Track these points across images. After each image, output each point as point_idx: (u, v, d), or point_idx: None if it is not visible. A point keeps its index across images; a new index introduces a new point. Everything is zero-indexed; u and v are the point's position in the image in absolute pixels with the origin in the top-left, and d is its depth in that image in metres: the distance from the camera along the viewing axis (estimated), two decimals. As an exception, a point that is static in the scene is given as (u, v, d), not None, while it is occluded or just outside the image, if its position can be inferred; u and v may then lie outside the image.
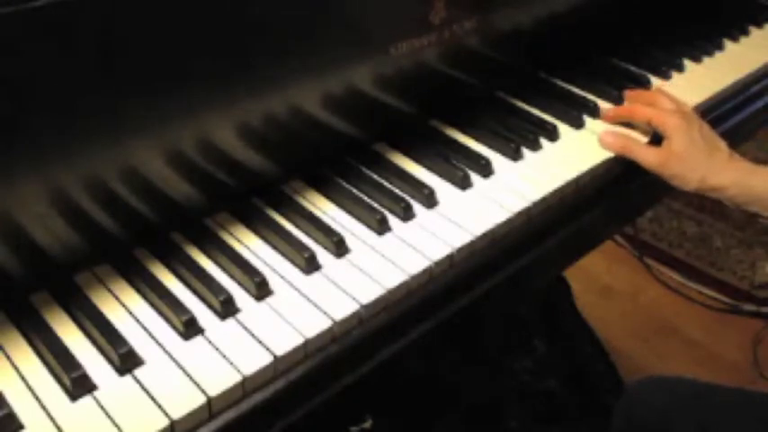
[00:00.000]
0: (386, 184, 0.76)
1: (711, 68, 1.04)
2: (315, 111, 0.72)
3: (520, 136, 0.83)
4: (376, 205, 0.72)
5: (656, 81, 0.99)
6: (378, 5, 0.72)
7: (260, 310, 0.61)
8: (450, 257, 0.67)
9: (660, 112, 0.85)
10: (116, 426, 0.51)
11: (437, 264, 0.66)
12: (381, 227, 0.69)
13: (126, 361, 0.55)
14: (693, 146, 0.82)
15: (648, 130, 0.87)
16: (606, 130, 0.85)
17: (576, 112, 0.88)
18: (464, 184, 0.76)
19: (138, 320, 0.59)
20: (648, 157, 0.82)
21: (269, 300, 0.62)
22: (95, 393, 0.54)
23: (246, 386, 0.55)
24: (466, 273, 0.68)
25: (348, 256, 0.66)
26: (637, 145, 0.83)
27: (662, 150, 0.82)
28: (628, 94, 0.93)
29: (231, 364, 0.56)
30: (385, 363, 0.63)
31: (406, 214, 0.71)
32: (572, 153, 0.83)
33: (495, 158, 0.80)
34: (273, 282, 0.63)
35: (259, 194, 0.72)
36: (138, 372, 0.55)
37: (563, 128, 0.87)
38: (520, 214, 0.73)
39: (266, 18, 0.64)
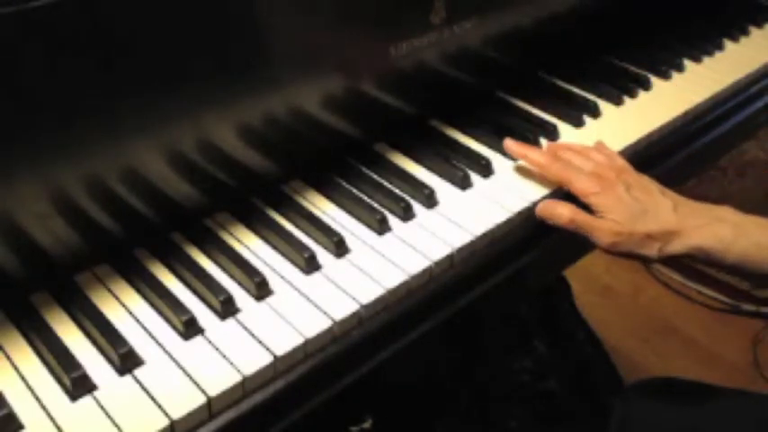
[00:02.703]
0: (386, 184, 0.76)
1: (711, 68, 1.04)
2: (315, 111, 0.72)
3: (520, 136, 0.83)
4: (376, 205, 0.72)
5: (656, 81, 0.99)
6: (378, 6, 0.72)
7: (260, 310, 0.61)
8: (450, 257, 0.67)
9: (577, 176, 0.72)
10: (116, 426, 0.51)
11: (437, 264, 0.66)
12: (381, 227, 0.69)
13: (126, 361, 0.55)
14: (632, 214, 0.69)
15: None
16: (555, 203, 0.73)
17: (575, 112, 0.88)
18: (464, 184, 0.76)
19: (138, 320, 0.59)
20: (602, 235, 0.70)
21: (269, 300, 0.62)
22: (95, 393, 0.54)
23: (246, 386, 0.55)
24: (466, 273, 0.68)
25: (348, 256, 0.66)
26: (592, 221, 0.71)
27: (608, 225, 0.70)
28: (550, 146, 0.81)
29: (231, 364, 0.56)
30: (385, 363, 0.63)
31: (406, 214, 0.71)
32: (572, 153, 0.83)
33: (496, 158, 0.80)
34: (273, 282, 0.63)
35: (259, 194, 0.72)
36: (138, 372, 0.55)
37: (563, 128, 0.87)
38: (520, 214, 0.73)
39: (266, 18, 0.64)
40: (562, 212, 0.71)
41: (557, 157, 0.76)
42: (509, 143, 0.78)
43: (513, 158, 0.80)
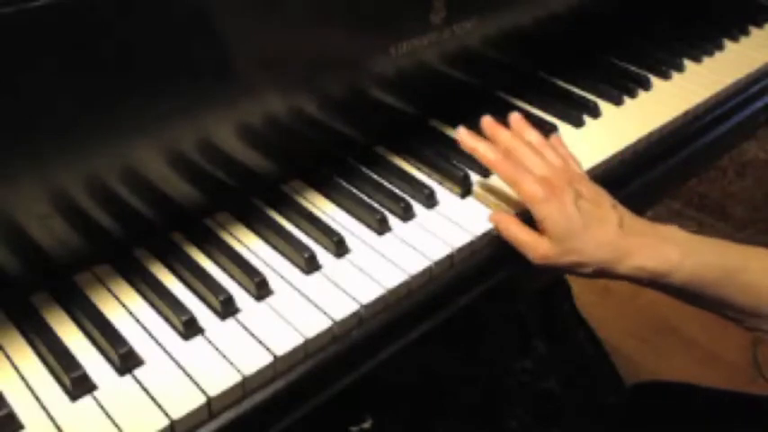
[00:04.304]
0: (386, 184, 0.76)
1: (711, 68, 1.04)
2: (315, 111, 0.72)
3: (520, 136, 0.83)
4: (376, 205, 0.72)
5: (656, 81, 0.99)
6: (378, 5, 0.72)
7: (260, 310, 0.61)
8: (450, 257, 0.67)
9: (524, 178, 0.67)
10: (116, 426, 0.51)
11: (437, 264, 0.66)
12: (381, 227, 0.69)
13: (126, 361, 0.55)
14: (571, 232, 0.65)
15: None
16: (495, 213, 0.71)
17: (575, 112, 0.88)
18: (464, 184, 0.76)
19: (138, 320, 0.59)
20: (535, 251, 0.67)
21: (269, 300, 0.62)
22: (95, 393, 0.54)
23: (246, 386, 0.55)
24: (466, 273, 0.68)
25: (348, 256, 0.66)
26: (525, 235, 0.68)
27: (541, 241, 0.67)
28: (486, 124, 0.74)
29: (231, 364, 0.56)
30: (385, 363, 0.63)
31: (406, 214, 0.71)
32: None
33: (495, 158, 0.80)
34: (273, 282, 0.63)
35: (259, 194, 0.72)
36: (138, 372, 0.55)
37: (563, 128, 0.87)
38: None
39: (266, 17, 0.64)
40: (498, 220, 0.70)
41: (508, 153, 0.70)
42: (461, 133, 0.73)
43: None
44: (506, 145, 0.72)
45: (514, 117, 0.76)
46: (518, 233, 0.68)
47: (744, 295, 0.65)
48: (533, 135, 0.74)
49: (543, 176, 0.68)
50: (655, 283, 0.66)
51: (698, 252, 0.66)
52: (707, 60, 1.07)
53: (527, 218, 0.69)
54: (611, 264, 0.65)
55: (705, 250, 0.66)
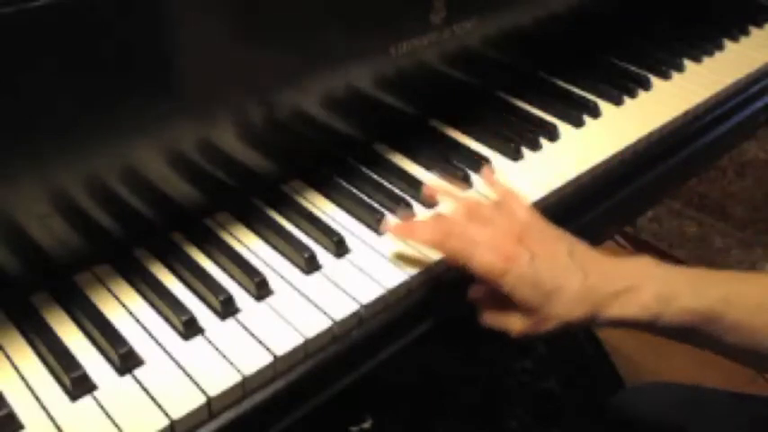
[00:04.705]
0: (386, 184, 0.76)
1: (711, 68, 1.04)
2: (315, 111, 0.72)
3: (520, 136, 0.83)
4: (376, 205, 0.72)
5: (656, 81, 0.99)
6: (378, 5, 0.72)
7: (260, 310, 0.61)
8: (450, 257, 0.67)
9: (473, 253, 0.61)
10: (116, 426, 0.51)
11: (437, 263, 0.66)
12: (381, 227, 0.69)
13: (126, 361, 0.55)
14: (539, 293, 0.60)
15: None
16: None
17: (576, 112, 0.89)
18: (465, 184, 0.76)
19: (138, 320, 0.59)
20: (514, 327, 0.63)
21: (269, 300, 0.62)
22: (95, 393, 0.54)
23: (246, 386, 0.55)
24: (466, 272, 0.68)
25: (348, 256, 0.66)
26: (502, 316, 0.64)
27: (513, 315, 0.62)
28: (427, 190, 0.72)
29: (231, 364, 0.56)
30: (385, 363, 0.63)
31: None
32: (572, 153, 0.83)
33: (495, 158, 0.80)
34: (273, 282, 0.63)
35: (259, 194, 0.72)
36: (138, 372, 0.55)
37: (563, 128, 0.87)
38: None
39: (266, 17, 0.64)
40: (484, 318, 0.65)
41: (449, 230, 0.64)
42: (389, 226, 0.68)
43: (512, 158, 0.81)
44: (441, 221, 0.66)
45: (427, 186, 0.72)
46: (492, 320, 0.64)
47: (734, 336, 0.60)
48: (468, 193, 0.68)
49: (492, 245, 0.61)
50: (640, 329, 0.62)
51: (677, 294, 0.60)
52: (707, 60, 1.07)
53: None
54: (590, 319, 0.61)
55: (686, 291, 0.61)
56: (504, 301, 0.62)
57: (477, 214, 0.66)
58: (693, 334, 0.61)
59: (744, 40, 1.14)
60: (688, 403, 0.87)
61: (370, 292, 0.62)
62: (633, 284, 0.61)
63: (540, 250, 0.62)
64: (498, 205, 0.67)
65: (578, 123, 0.88)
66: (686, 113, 0.92)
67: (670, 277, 0.62)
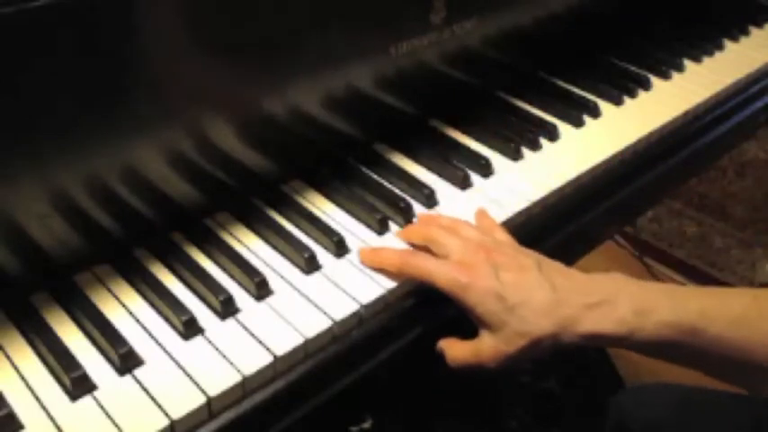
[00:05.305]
0: (386, 184, 0.76)
1: (711, 68, 1.04)
2: (315, 111, 0.72)
3: (520, 136, 0.83)
4: (376, 205, 0.72)
5: (656, 81, 0.99)
6: (378, 5, 0.72)
7: (260, 310, 0.61)
8: (450, 257, 0.67)
9: (437, 269, 0.61)
10: (116, 426, 0.51)
11: (437, 264, 0.66)
12: (381, 227, 0.69)
13: (126, 361, 0.55)
14: (503, 307, 0.58)
15: None
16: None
17: (576, 112, 0.89)
18: (464, 184, 0.76)
19: (138, 320, 0.59)
20: (487, 361, 0.61)
21: (269, 300, 0.62)
22: (95, 393, 0.54)
23: (246, 386, 0.55)
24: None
25: (348, 256, 0.66)
26: (474, 352, 0.62)
27: (485, 345, 0.61)
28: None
29: (231, 364, 0.56)
30: (385, 363, 0.63)
31: (407, 214, 0.71)
32: (572, 153, 0.83)
33: (495, 158, 0.80)
34: (273, 282, 0.63)
35: (259, 194, 0.72)
36: (138, 372, 0.55)
37: (563, 128, 0.87)
38: (520, 214, 0.73)
39: (265, 17, 0.64)
40: (452, 354, 0.63)
41: (413, 251, 0.64)
42: (364, 257, 0.65)
43: (512, 159, 0.81)
44: (423, 236, 0.65)
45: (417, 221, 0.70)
46: (456, 353, 0.62)
47: (718, 350, 0.58)
48: (443, 219, 0.68)
49: (459, 260, 0.61)
50: (615, 345, 0.59)
51: (653, 309, 0.58)
52: (707, 60, 1.07)
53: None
54: (559, 333, 0.58)
55: (663, 305, 0.59)
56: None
57: (448, 229, 0.65)
58: (674, 349, 0.59)
59: (744, 40, 1.14)
60: (688, 403, 0.87)
61: (370, 292, 0.62)
62: (607, 298, 0.59)
63: (505, 263, 0.60)
64: (467, 223, 0.67)
65: (578, 123, 0.88)
66: (686, 113, 0.92)
67: (646, 291, 0.60)
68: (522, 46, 0.92)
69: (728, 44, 1.11)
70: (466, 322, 0.62)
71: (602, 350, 1.46)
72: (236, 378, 0.55)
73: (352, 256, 0.66)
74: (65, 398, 0.53)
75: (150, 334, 0.58)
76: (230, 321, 0.60)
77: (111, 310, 0.60)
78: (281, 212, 0.71)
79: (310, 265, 0.64)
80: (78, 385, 0.53)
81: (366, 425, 1.03)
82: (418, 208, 0.72)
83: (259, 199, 0.72)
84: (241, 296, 0.62)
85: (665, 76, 1.00)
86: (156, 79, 0.59)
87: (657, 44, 1.08)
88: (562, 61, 0.99)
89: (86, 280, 0.63)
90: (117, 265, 0.64)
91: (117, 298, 0.61)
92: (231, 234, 0.68)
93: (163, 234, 0.67)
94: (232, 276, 0.64)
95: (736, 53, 1.10)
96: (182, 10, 0.58)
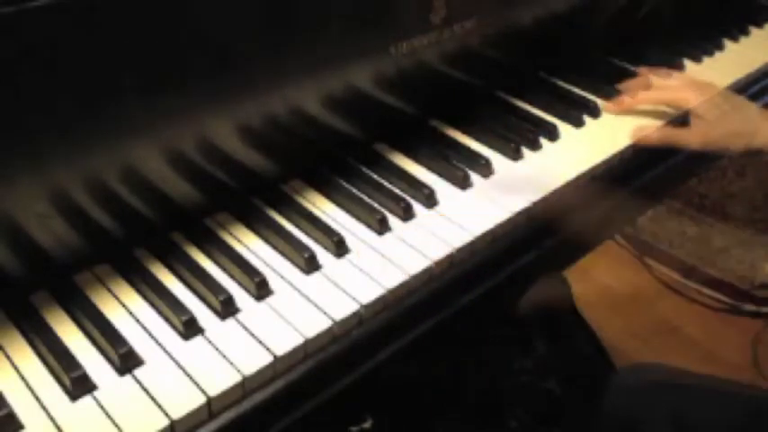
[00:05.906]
0: (386, 184, 0.76)
1: (711, 68, 1.04)
2: (315, 111, 0.72)
3: (520, 136, 0.83)
4: (376, 205, 0.72)
5: (656, 81, 0.99)
6: (378, 5, 0.72)
7: (260, 310, 0.61)
8: (450, 257, 0.67)
9: (674, 90, 0.88)
10: (116, 426, 0.51)
11: (437, 264, 0.66)
12: (381, 227, 0.69)
13: (126, 361, 0.55)
14: (723, 112, 0.83)
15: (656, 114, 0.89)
16: (641, 127, 0.86)
17: (576, 112, 0.88)
18: (464, 184, 0.76)
19: (138, 320, 0.59)
20: (690, 138, 0.84)
21: (269, 300, 0.62)
22: (95, 393, 0.54)
23: (246, 386, 0.55)
24: (466, 272, 0.68)
25: (348, 256, 0.66)
26: (674, 131, 0.86)
27: (697, 127, 0.84)
28: (626, 85, 0.94)
29: (231, 364, 0.56)
30: (385, 363, 0.63)
31: (406, 214, 0.71)
32: (572, 153, 0.83)
33: (495, 158, 0.80)
34: (273, 282, 0.63)
35: (259, 194, 0.72)
36: (138, 372, 0.55)
37: (563, 128, 0.87)
38: (520, 214, 0.73)
39: (265, 17, 0.64)
40: (650, 136, 0.84)
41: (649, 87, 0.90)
42: (611, 106, 0.90)
43: (512, 159, 0.81)
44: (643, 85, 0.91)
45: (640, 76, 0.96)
46: (674, 132, 0.85)
47: None
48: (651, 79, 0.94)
49: (684, 84, 0.89)
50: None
51: None
52: (707, 60, 1.07)
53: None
54: (756, 139, 0.82)
55: None
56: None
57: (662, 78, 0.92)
58: None
59: (744, 40, 1.14)
60: (666, 385, 0.87)
61: (370, 292, 0.62)
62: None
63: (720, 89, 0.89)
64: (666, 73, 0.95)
65: (578, 123, 0.88)
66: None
67: None
68: (522, 46, 0.92)
69: (728, 44, 1.11)
70: (466, 322, 0.62)
71: (602, 350, 1.46)
72: (236, 378, 0.55)
73: (352, 256, 0.66)
74: (65, 398, 0.53)
75: (150, 334, 0.58)
76: (230, 321, 0.60)
77: (111, 310, 0.60)
78: (281, 212, 0.71)
79: (310, 265, 0.64)
80: (78, 385, 0.53)
81: (366, 425, 1.03)
82: (418, 208, 0.72)
83: (259, 199, 0.72)
84: (241, 296, 0.62)
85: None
86: (155, 79, 0.59)
87: (657, 44, 1.08)
88: (562, 61, 0.99)
89: (86, 280, 0.63)
90: (117, 265, 0.64)
91: (117, 298, 0.61)
92: (231, 234, 0.68)
93: (163, 234, 0.67)
94: (232, 276, 0.64)
95: (736, 53, 1.10)
96: (180, 9, 0.58)
